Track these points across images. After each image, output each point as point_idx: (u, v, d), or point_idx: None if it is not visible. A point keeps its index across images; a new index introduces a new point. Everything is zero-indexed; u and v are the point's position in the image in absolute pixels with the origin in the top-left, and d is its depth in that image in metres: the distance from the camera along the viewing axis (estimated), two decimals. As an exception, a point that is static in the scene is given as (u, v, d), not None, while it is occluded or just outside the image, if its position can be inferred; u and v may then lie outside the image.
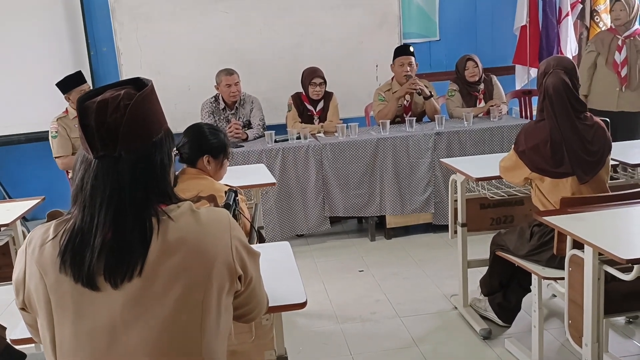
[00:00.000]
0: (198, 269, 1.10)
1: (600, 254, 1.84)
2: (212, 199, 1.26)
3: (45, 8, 4.88)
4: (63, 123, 4.06)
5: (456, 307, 3.12)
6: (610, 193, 2.22)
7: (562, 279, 2.34)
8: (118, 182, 1.08)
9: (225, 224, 1.16)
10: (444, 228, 4.25)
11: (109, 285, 1.07)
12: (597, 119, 2.37)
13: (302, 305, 1.45)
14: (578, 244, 2.01)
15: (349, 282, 3.60)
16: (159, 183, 1.14)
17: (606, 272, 1.88)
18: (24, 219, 3.00)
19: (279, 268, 1.67)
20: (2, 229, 2.61)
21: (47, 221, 1.17)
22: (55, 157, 4.07)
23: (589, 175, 2.27)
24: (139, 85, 1.15)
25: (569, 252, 2.02)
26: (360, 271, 3.74)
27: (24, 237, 2.80)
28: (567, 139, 2.28)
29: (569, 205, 2.11)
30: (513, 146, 2.48)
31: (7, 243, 2.72)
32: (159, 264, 1.08)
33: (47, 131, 4.22)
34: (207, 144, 2.27)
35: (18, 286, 1.13)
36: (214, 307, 1.11)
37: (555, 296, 3.15)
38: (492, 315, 2.89)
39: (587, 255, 1.87)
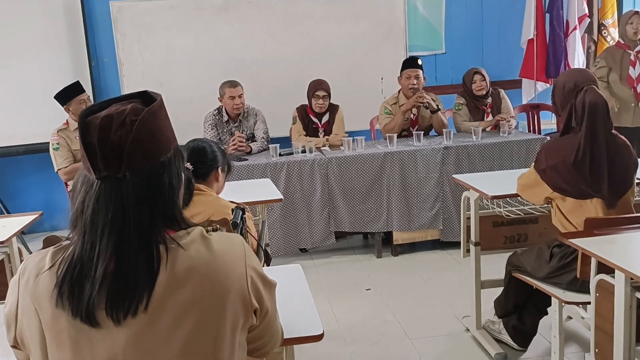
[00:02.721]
0: (210, 303, 0.99)
1: (632, 279, 1.73)
2: (224, 223, 1.15)
3: (46, 18, 4.80)
4: (64, 135, 3.97)
5: (468, 329, 3.00)
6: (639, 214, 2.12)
7: (585, 303, 2.24)
8: (122, 205, 0.97)
9: (240, 252, 1.06)
10: (451, 245, 4.16)
11: (111, 321, 0.95)
12: (622, 137, 2.28)
13: (319, 337, 1.34)
14: (604, 268, 1.90)
15: (356, 300, 3.48)
16: (167, 207, 1.03)
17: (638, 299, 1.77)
18: (21, 233, 2.88)
19: (291, 294, 1.56)
20: (-3, 245, 2.50)
21: (44, 247, 1.06)
22: (58, 170, 3.96)
23: (617, 197, 2.17)
24: (147, 99, 1.05)
25: (596, 277, 1.91)
26: (367, 289, 3.63)
27: (20, 254, 2.68)
28: (600, 158, 2.17)
29: (595, 227, 2.01)
30: (533, 164, 2.38)
31: (2, 260, 2.60)
32: (167, 297, 0.97)
33: (46, 143, 4.13)
34: (217, 157, 2.18)
35: (9, 321, 1.02)
36: (227, 345, 1.00)
37: (571, 318, 3.03)
38: (506, 338, 2.78)
39: (618, 281, 1.76)
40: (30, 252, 4.39)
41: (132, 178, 0.98)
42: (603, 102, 2.20)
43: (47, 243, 1.12)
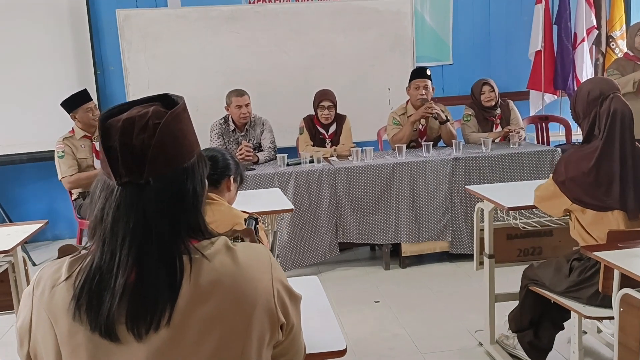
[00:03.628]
0: (236, 317, 0.93)
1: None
2: (248, 234, 1.10)
3: (52, 26, 4.78)
4: (69, 143, 3.93)
5: (481, 344, 2.94)
6: (665, 227, 2.06)
7: (607, 318, 2.18)
8: (144, 213, 0.92)
9: (266, 264, 1.00)
10: (460, 257, 4.10)
11: (132, 336, 0.90)
12: (641, 147, 2.23)
13: (342, 352, 1.28)
14: (628, 282, 1.84)
15: (364, 314, 3.41)
16: (190, 215, 0.97)
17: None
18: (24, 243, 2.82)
19: (310, 307, 1.49)
20: (1, 255, 2.44)
21: (59, 257, 1.01)
22: (62, 178, 3.91)
23: (637, 208, 2.12)
24: (168, 102, 1.00)
25: (621, 291, 1.85)
26: (376, 302, 3.56)
27: (25, 263, 2.62)
28: (625, 169, 2.12)
29: (618, 240, 1.95)
30: (551, 175, 2.33)
31: (6, 270, 2.54)
32: (190, 311, 0.91)
33: (50, 151, 4.09)
34: (229, 165, 2.13)
35: (22, 336, 0.96)
36: (253, 362, 0.95)
37: (586, 332, 2.97)
38: (521, 353, 2.71)
39: (646, 296, 1.70)
40: (33, 262, 4.38)
41: (155, 184, 0.93)
42: (629, 111, 2.16)
43: (63, 253, 1.07)
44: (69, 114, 3.95)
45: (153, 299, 0.90)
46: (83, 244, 1.19)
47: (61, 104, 3.94)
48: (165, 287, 0.91)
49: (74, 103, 3.93)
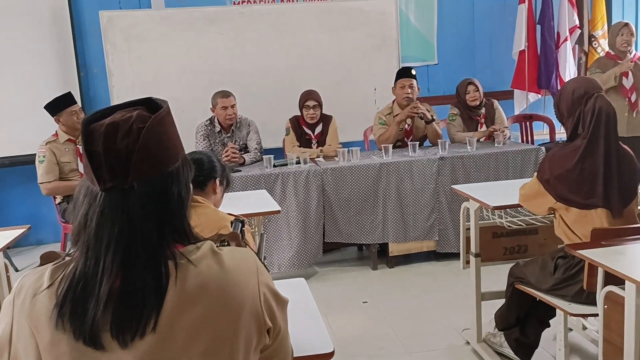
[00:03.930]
0: (223, 322, 0.93)
1: (643, 291, 1.69)
2: (234, 237, 1.10)
3: (34, 28, 4.73)
4: (53, 147, 3.88)
5: (469, 342, 2.95)
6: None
7: (591, 315, 2.20)
8: (129, 219, 0.91)
9: (252, 268, 1.00)
10: (447, 256, 4.12)
11: (117, 343, 0.89)
12: (625, 146, 2.25)
13: (330, 355, 1.28)
14: (612, 279, 1.86)
15: (352, 314, 3.42)
16: (176, 219, 0.97)
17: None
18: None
19: (298, 310, 1.49)
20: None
21: (41, 264, 0.99)
22: (40, 183, 3.87)
23: (623, 207, 2.14)
24: (152, 106, 0.99)
25: (605, 288, 1.87)
26: (364, 302, 3.56)
27: (7, 270, 2.59)
28: (609, 167, 2.14)
29: (602, 238, 1.97)
30: (536, 174, 2.35)
31: (-12, 276, 2.51)
32: (176, 316, 0.90)
33: (32, 155, 4.04)
34: (215, 167, 2.12)
35: (2, 346, 0.94)
36: (240, 367, 0.94)
37: (572, 329, 3.00)
38: (508, 351, 2.73)
39: (629, 292, 1.72)
40: (16, 268, 4.32)
41: (140, 189, 0.92)
42: (613, 110, 2.18)
43: (45, 260, 1.05)
44: (53, 117, 3.91)
45: (138, 305, 0.89)
46: (67, 248, 1.18)
47: (45, 107, 3.90)
48: (151, 293, 0.90)
49: (58, 106, 3.88)
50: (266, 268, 1.25)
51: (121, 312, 0.89)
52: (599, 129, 2.16)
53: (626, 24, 4.42)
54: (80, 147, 3.75)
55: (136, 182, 0.92)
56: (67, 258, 0.96)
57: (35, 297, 0.92)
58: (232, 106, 4.15)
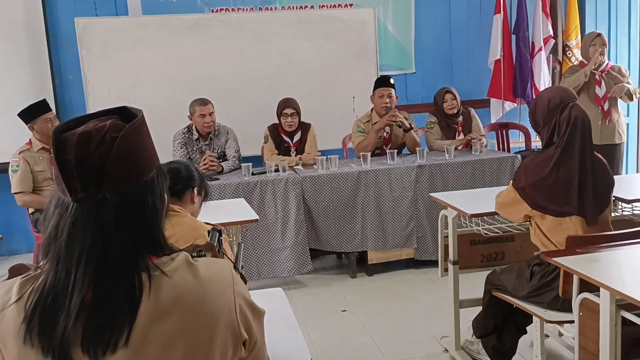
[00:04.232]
0: (197, 335, 0.92)
1: (617, 297, 1.71)
2: (210, 248, 1.08)
3: (8, 34, 4.65)
4: (26, 156, 3.81)
5: (447, 350, 2.96)
6: (622, 231, 2.12)
7: (567, 322, 2.22)
8: (101, 230, 0.89)
9: (228, 279, 0.98)
10: (425, 263, 4.14)
11: (87, 357, 0.87)
12: (598, 154, 2.29)
13: (307, 365, 1.27)
14: (587, 286, 1.89)
15: (331, 323, 3.40)
16: (150, 230, 0.95)
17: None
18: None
19: (275, 320, 1.48)
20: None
21: (10, 277, 0.97)
22: (14, 193, 3.80)
23: (598, 215, 2.17)
24: (127, 115, 0.98)
25: (580, 295, 1.89)
26: (343, 311, 3.56)
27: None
28: (584, 175, 2.17)
29: (576, 245, 2.00)
30: (512, 182, 2.37)
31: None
32: (150, 329, 0.89)
33: (6, 163, 3.96)
34: (193, 176, 2.10)
35: None
36: (215, 380, 0.93)
37: (548, 336, 3.02)
38: (485, 358, 2.74)
39: (604, 299, 1.74)
40: (-12, 279, 4.22)
41: (113, 199, 0.90)
42: (588, 119, 2.22)
43: (14, 272, 1.03)
44: (27, 124, 3.84)
45: (110, 318, 0.88)
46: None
47: (19, 115, 3.83)
48: (124, 306, 0.88)
49: (32, 113, 3.82)
50: (243, 278, 1.24)
51: (92, 325, 0.87)
52: (574, 138, 2.19)
53: (599, 35, 4.51)
54: (54, 156, 3.71)
55: (109, 193, 0.90)
56: (37, 270, 0.93)
57: (3, 311, 0.90)
58: (210, 114, 4.13)
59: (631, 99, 4.49)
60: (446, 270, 2.93)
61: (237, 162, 4.21)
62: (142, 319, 0.88)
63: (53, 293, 0.88)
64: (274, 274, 3.94)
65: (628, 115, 5.56)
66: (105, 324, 0.87)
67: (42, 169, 3.86)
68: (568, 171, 2.18)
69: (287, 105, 4.27)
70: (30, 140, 3.89)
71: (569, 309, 2.07)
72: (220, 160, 4.19)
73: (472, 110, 4.68)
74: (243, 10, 5.13)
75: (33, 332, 0.87)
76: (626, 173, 5.60)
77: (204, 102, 4.13)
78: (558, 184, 2.19)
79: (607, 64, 4.51)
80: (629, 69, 5.59)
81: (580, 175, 2.18)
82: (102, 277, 0.89)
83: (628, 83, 4.46)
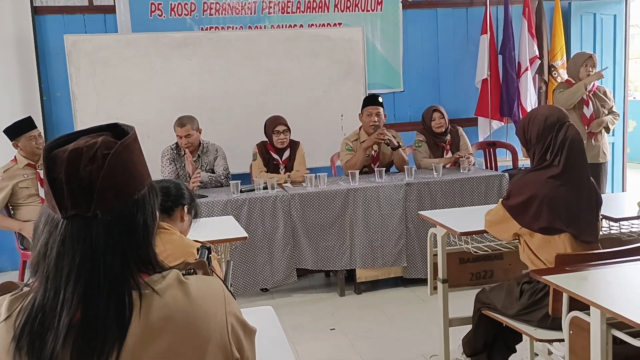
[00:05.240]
0: (189, 354, 0.90)
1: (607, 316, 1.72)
2: (201, 266, 1.07)
3: (-5, 50, 4.62)
4: (10, 174, 3.78)
5: (437, 369, 2.94)
6: (610, 249, 2.13)
7: (557, 340, 2.22)
8: (91, 248, 0.88)
9: (220, 298, 0.97)
10: (414, 282, 4.13)
11: (76, 379, 0.85)
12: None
13: (298, 386, 1.25)
14: (576, 304, 1.89)
15: (320, 341, 3.37)
16: (141, 249, 0.94)
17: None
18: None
19: (265, 338, 1.46)
20: None
21: (-1, 295, 0.95)
22: None
23: (589, 233, 2.19)
24: (118, 132, 0.97)
25: (570, 314, 1.90)
26: (331, 329, 3.53)
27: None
28: (578, 195, 2.20)
29: (566, 263, 2.01)
30: (501, 200, 2.38)
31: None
32: (140, 350, 0.87)
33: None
34: (183, 194, 2.10)
35: None
36: (206, 401, 0.91)
37: (537, 355, 3.02)
38: (475, 377, 2.72)
39: (594, 318, 1.75)
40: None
41: (103, 217, 0.89)
42: (582, 140, 2.27)
43: (3, 290, 1.01)
44: (11, 141, 3.81)
45: (100, 338, 0.86)
46: (26, 277, 1.13)
47: (4, 131, 3.80)
48: (113, 326, 0.87)
49: (17, 131, 3.80)
50: (233, 295, 1.23)
51: (81, 346, 0.85)
52: (571, 158, 2.21)
53: (590, 56, 4.57)
54: (41, 172, 3.67)
55: (100, 210, 0.89)
56: (26, 288, 0.92)
57: None
58: (187, 136, 4.07)
59: (608, 131, 4.59)
60: (435, 288, 2.93)
61: (223, 179, 4.20)
62: (132, 339, 0.87)
63: (42, 312, 0.87)
64: (259, 286, 3.91)
65: (613, 135, 5.64)
66: (94, 344, 0.86)
67: (27, 185, 3.82)
68: (557, 190, 2.19)
69: (278, 122, 4.27)
70: (15, 157, 3.86)
71: (558, 327, 2.07)
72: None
73: (460, 129, 4.71)
74: (232, 29, 5.16)
75: (22, 351, 0.85)
76: (611, 192, 5.67)
77: (181, 123, 4.08)
78: (547, 202, 2.20)
79: (593, 85, 4.58)
80: (613, 89, 5.70)
81: (570, 193, 2.20)
82: (92, 296, 0.87)
83: (610, 111, 4.54)
